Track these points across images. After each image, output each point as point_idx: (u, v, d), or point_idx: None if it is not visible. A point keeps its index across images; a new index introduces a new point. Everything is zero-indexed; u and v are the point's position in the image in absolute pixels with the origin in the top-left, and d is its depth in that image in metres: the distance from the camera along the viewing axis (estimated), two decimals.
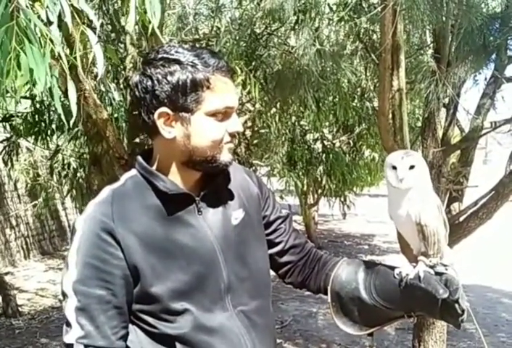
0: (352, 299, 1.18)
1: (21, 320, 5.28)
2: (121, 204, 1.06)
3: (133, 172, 1.13)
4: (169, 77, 1.03)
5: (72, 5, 1.36)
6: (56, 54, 1.37)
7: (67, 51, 1.82)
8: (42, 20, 1.35)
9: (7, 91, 1.32)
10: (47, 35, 1.32)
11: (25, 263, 7.80)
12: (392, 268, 1.14)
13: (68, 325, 1.02)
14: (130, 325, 1.07)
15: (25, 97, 3.32)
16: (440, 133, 3.18)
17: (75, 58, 1.61)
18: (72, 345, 1.01)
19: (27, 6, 1.27)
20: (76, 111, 1.43)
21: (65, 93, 1.43)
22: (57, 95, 1.39)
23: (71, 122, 1.54)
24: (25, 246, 8.02)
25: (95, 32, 1.47)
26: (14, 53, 1.26)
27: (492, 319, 5.27)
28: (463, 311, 1.03)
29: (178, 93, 1.03)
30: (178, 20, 3.69)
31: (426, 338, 3.15)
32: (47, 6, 1.33)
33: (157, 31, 1.61)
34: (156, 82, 1.03)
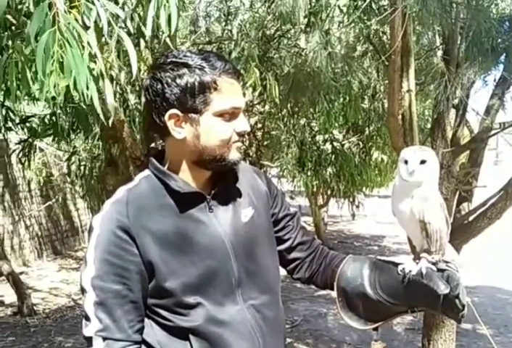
0: (358, 294, 1.21)
1: (36, 318, 5.33)
2: (136, 203, 1.11)
3: (147, 172, 1.17)
4: (178, 80, 1.07)
5: (107, 9, 1.41)
6: (94, 57, 1.43)
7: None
8: (79, 25, 1.41)
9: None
10: (85, 38, 1.38)
11: (38, 263, 7.84)
12: (396, 265, 1.17)
13: (87, 319, 1.06)
14: (146, 319, 1.11)
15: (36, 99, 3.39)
16: (450, 133, 3.19)
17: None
18: (91, 338, 1.05)
19: (65, 12, 1.33)
20: (114, 111, 1.48)
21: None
22: (96, 96, 1.45)
23: (109, 122, 1.59)
24: (38, 246, 8.06)
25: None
26: (56, 55, 1.32)
27: (501, 319, 5.26)
28: (463, 306, 1.06)
29: (186, 95, 1.07)
30: (190, 23, 3.74)
31: (436, 338, 3.16)
32: (83, 12, 1.39)
33: (168, 41, 1.66)
34: (165, 85, 1.08)
